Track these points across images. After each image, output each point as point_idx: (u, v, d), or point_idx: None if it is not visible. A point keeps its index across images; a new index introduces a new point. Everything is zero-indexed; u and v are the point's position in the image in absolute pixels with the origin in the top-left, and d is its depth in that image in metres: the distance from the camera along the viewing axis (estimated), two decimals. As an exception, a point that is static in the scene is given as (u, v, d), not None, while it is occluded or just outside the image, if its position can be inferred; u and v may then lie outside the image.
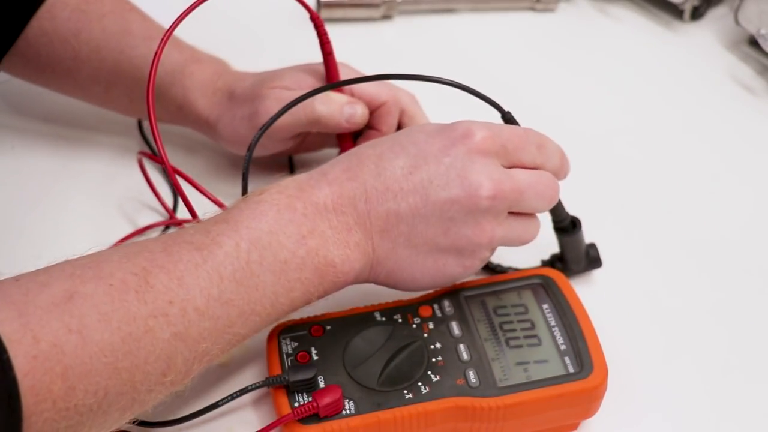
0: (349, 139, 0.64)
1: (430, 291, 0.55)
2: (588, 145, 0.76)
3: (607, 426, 0.53)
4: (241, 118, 0.62)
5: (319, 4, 0.86)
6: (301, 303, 0.49)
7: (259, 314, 0.46)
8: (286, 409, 0.48)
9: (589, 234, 0.60)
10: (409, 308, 0.53)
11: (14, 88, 0.73)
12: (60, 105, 0.72)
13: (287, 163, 0.69)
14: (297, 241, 0.47)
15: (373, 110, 0.62)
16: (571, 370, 0.50)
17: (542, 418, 0.50)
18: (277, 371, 0.50)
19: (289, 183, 0.49)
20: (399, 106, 0.63)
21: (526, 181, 0.50)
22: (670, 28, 0.91)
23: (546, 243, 0.60)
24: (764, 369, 0.57)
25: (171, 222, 0.64)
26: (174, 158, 0.55)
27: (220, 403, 0.49)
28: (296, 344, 0.52)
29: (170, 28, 0.54)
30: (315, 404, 0.47)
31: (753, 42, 0.86)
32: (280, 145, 0.64)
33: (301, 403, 0.48)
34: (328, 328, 0.52)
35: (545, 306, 0.54)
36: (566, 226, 0.58)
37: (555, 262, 0.61)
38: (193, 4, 0.54)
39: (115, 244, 0.57)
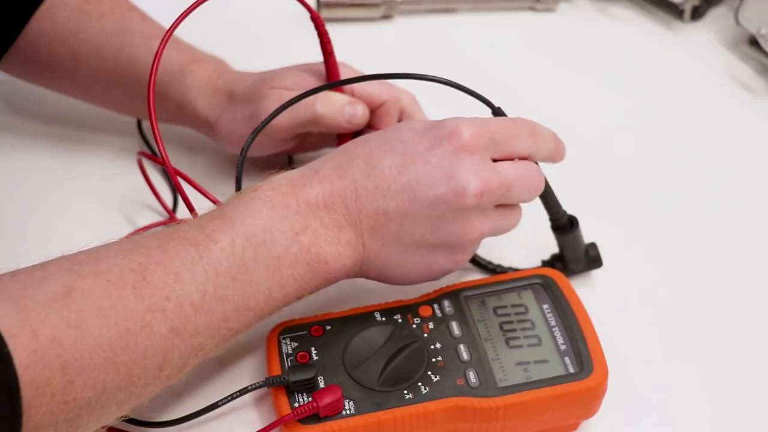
0: (349, 138, 0.64)
1: (429, 290, 0.55)
2: (588, 144, 0.75)
3: (607, 426, 0.53)
4: (241, 118, 0.62)
5: (319, 4, 0.86)
6: (294, 298, 0.49)
7: (253, 309, 0.47)
8: (286, 410, 0.48)
9: (589, 234, 0.60)
10: (409, 308, 0.53)
11: (14, 88, 0.73)
12: (60, 105, 0.72)
13: (287, 162, 0.69)
14: (290, 237, 0.48)
15: (374, 110, 0.62)
16: (572, 370, 0.50)
17: (542, 418, 0.50)
18: (277, 371, 0.50)
19: (281, 180, 0.50)
20: (399, 105, 0.63)
21: (514, 175, 0.51)
22: (671, 28, 0.91)
23: (546, 243, 0.60)
24: (764, 369, 0.57)
25: (171, 222, 0.64)
26: (173, 158, 0.55)
27: (220, 403, 0.49)
28: (296, 344, 0.52)
29: (171, 27, 0.54)
30: (315, 404, 0.47)
31: (753, 42, 0.86)
32: (280, 145, 0.64)
33: (301, 404, 0.48)
34: (328, 328, 0.52)
35: (545, 306, 0.54)
36: (564, 224, 0.58)
37: (555, 262, 0.61)
38: (193, 4, 0.54)
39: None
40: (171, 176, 0.55)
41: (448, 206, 0.49)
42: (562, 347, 0.51)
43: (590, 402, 0.50)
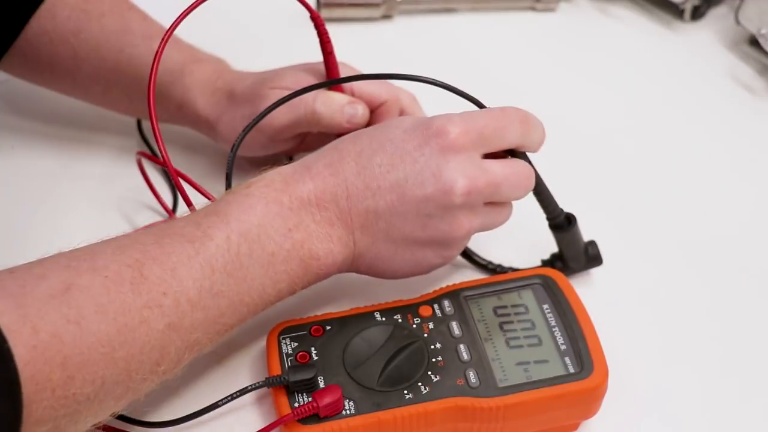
0: (349, 138, 0.64)
1: (429, 290, 0.55)
2: (588, 144, 0.76)
3: (608, 426, 0.53)
4: (241, 118, 0.62)
5: (318, 3, 0.86)
6: (287, 293, 0.50)
7: (247, 305, 0.48)
8: (286, 410, 0.48)
9: (589, 233, 0.60)
10: (409, 308, 0.53)
11: (14, 88, 0.73)
12: (60, 105, 0.72)
13: (287, 162, 0.69)
14: (284, 234, 0.49)
15: (374, 110, 0.62)
16: (572, 370, 0.50)
17: (542, 418, 0.50)
18: (277, 371, 0.50)
19: (274, 176, 0.50)
20: (399, 105, 0.63)
21: (502, 174, 0.52)
22: (671, 27, 0.91)
23: (546, 242, 0.60)
24: (764, 369, 0.57)
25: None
26: (173, 158, 0.55)
27: (220, 403, 0.49)
28: (296, 344, 0.52)
29: (171, 27, 0.54)
30: (315, 404, 0.47)
31: (753, 42, 0.86)
32: (280, 145, 0.64)
33: (301, 404, 0.48)
34: (328, 328, 0.52)
35: (545, 306, 0.54)
36: (561, 222, 0.58)
37: (555, 261, 0.61)
38: (193, 4, 0.54)
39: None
40: (173, 177, 0.55)
41: (436, 205, 0.50)
42: (562, 347, 0.51)
43: (590, 402, 0.50)
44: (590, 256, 0.61)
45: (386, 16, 0.89)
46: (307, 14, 0.59)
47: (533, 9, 0.92)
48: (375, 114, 0.63)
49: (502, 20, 0.91)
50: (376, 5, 0.87)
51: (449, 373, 0.50)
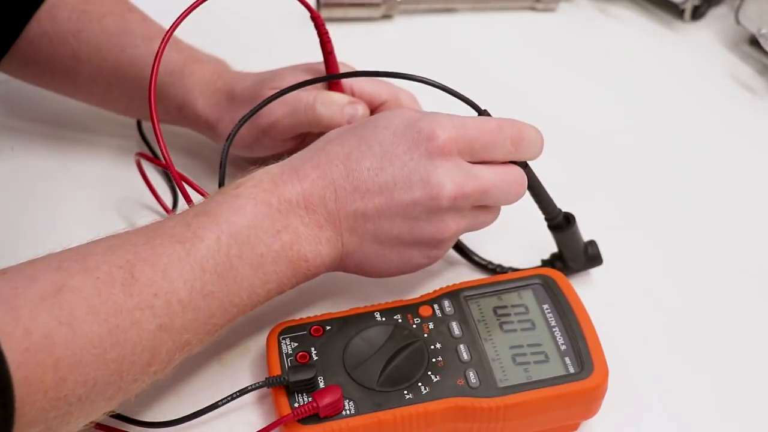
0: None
1: (430, 290, 0.55)
2: (588, 144, 0.76)
3: (608, 426, 0.53)
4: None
5: (319, 3, 0.86)
6: (275, 293, 0.51)
7: (236, 305, 0.48)
8: (286, 410, 0.48)
9: (590, 233, 0.60)
10: (409, 308, 0.53)
11: (14, 88, 0.73)
12: (60, 105, 0.72)
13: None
14: (273, 235, 0.49)
15: (373, 110, 0.62)
16: (572, 370, 0.50)
17: (542, 418, 0.50)
18: (277, 371, 0.50)
19: (263, 177, 0.51)
20: (399, 105, 0.63)
21: (491, 180, 0.52)
22: (671, 27, 0.91)
23: (546, 242, 0.60)
24: (764, 369, 0.57)
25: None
26: (172, 158, 0.55)
27: (220, 403, 0.49)
28: (296, 344, 0.52)
29: (171, 27, 0.54)
30: (315, 404, 0.47)
31: (753, 42, 0.86)
32: (280, 145, 0.63)
33: (301, 404, 0.48)
34: (328, 328, 0.52)
35: (545, 306, 0.54)
36: (560, 223, 0.58)
37: (555, 261, 0.61)
38: (193, 4, 0.54)
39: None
40: (175, 180, 0.55)
41: (423, 208, 0.51)
42: (563, 347, 0.51)
43: (590, 402, 0.50)
44: (590, 256, 0.61)
45: (386, 16, 0.89)
46: (308, 14, 0.59)
47: (533, 9, 0.92)
48: (375, 114, 0.62)
49: (502, 20, 0.91)
50: (376, 5, 0.87)
51: (449, 373, 0.50)
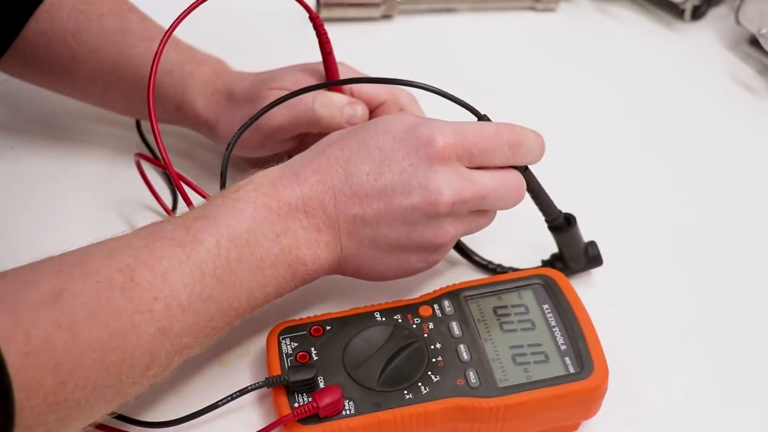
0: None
1: (430, 290, 0.55)
2: (588, 144, 0.76)
3: (608, 426, 0.53)
4: (240, 119, 0.62)
5: (318, 3, 0.86)
6: (273, 297, 0.51)
7: (235, 309, 0.48)
8: (286, 410, 0.48)
9: (590, 234, 0.60)
10: (409, 308, 0.53)
11: (13, 88, 0.73)
12: (59, 105, 0.72)
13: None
14: (272, 239, 0.49)
15: (373, 110, 0.62)
16: (572, 370, 0.50)
17: (542, 418, 0.50)
18: (277, 371, 0.50)
19: (263, 180, 0.51)
20: (398, 105, 0.63)
21: (489, 186, 0.52)
22: (671, 27, 0.91)
23: (546, 243, 0.60)
24: (764, 369, 0.57)
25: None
26: (172, 158, 0.55)
27: (220, 403, 0.49)
28: (296, 344, 0.52)
29: (170, 27, 0.54)
30: (315, 404, 0.47)
31: (754, 41, 0.86)
32: (280, 146, 0.63)
33: (301, 404, 0.48)
34: (328, 328, 0.52)
35: (546, 306, 0.54)
36: (560, 224, 0.58)
37: (555, 261, 0.61)
38: (192, 4, 0.54)
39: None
40: (174, 181, 0.55)
41: (422, 213, 0.51)
42: (563, 347, 0.51)
43: (590, 402, 0.50)
44: (590, 257, 0.61)
45: (386, 16, 0.89)
46: (306, 14, 0.58)
47: (533, 9, 0.92)
48: (374, 114, 0.62)
49: (502, 20, 0.91)
50: (376, 5, 0.87)
51: (449, 373, 0.50)
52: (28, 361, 0.38)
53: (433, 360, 0.50)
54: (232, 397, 0.49)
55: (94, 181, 0.68)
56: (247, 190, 0.50)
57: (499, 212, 0.57)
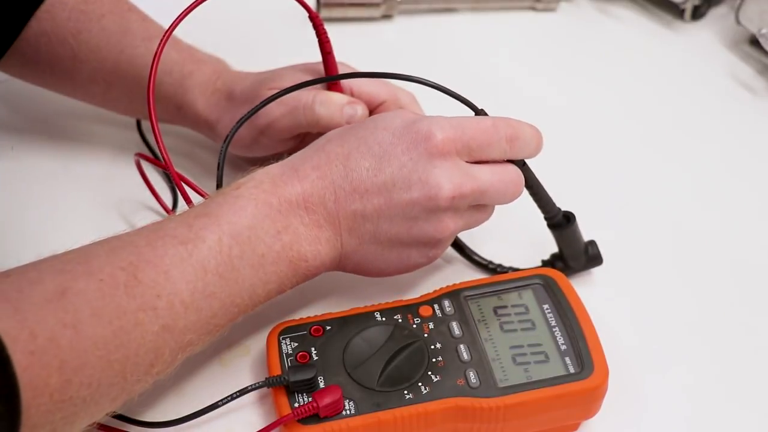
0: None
1: (430, 290, 0.55)
2: (588, 144, 0.76)
3: (608, 426, 0.53)
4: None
5: (318, 3, 0.86)
6: (275, 294, 0.51)
7: (237, 305, 0.48)
8: (286, 410, 0.48)
9: (590, 233, 0.60)
10: (409, 308, 0.53)
11: (13, 88, 0.73)
12: (59, 105, 0.72)
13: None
14: (273, 236, 0.49)
15: (373, 109, 0.62)
16: (572, 370, 0.50)
17: (543, 418, 0.50)
18: (277, 371, 0.50)
19: (263, 178, 0.51)
20: (398, 105, 0.63)
21: (489, 181, 0.52)
22: (671, 27, 0.91)
23: (546, 242, 0.60)
24: (764, 369, 0.57)
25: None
26: (172, 158, 0.55)
27: (220, 403, 0.49)
28: (296, 344, 0.52)
29: (170, 27, 0.54)
30: (315, 404, 0.47)
31: (754, 41, 0.86)
32: (280, 146, 0.63)
33: (301, 404, 0.48)
34: (328, 328, 0.52)
35: (546, 306, 0.54)
36: (559, 221, 0.58)
37: (555, 261, 0.61)
38: (192, 4, 0.54)
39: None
40: (174, 181, 0.55)
41: (422, 208, 0.51)
42: (563, 347, 0.51)
43: (591, 402, 0.50)
44: (590, 256, 0.61)
45: (386, 16, 0.89)
46: (306, 14, 0.58)
47: (533, 9, 0.92)
48: (374, 114, 0.62)
49: (502, 20, 0.91)
50: (376, 5, 0.87)
51: (449, 373, 0.50)
52: (34, 360, 0.38)
53: (434, 360, 0.50)
54: (232, 397, 0.49)
55: (94, 180, 0.68)
56: (247, 188, 0.50)
57: (498, 212, 0.57)
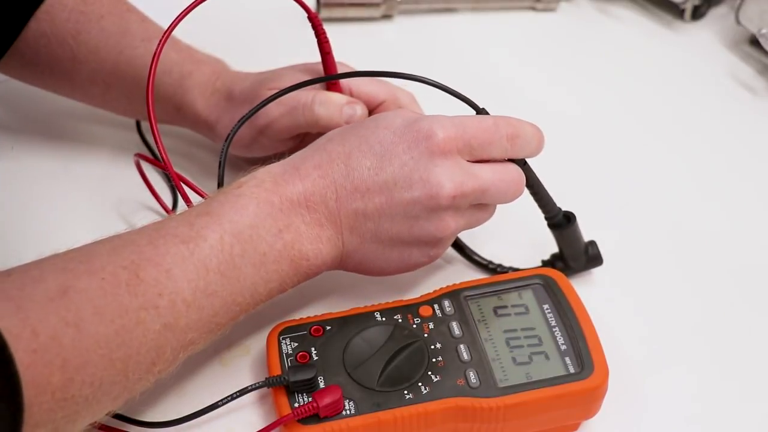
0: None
1: (430, 290, 0.55)
2: (589, 144, 0.76)
3: (608, 426, 0.53)
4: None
5: (318, 3, 0.86)
6: (277, 293, 0.51)
7: (239, 304, 0.48)
8: (286, 410, 0.48)
9: (590, 233, 0.60)
10: (409, 308, 0.53)
11: (13, 88, 0.73)
12: (59, 105, 0.72)
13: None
14: (275, 234, 0.49)
15: (372, 109, 0.62)
16: (572, 370, 0.50)
17: (543, 418, 0.50)
18: (277, 371, 0.50)
19: (264, 177, 0.51)
20: (397, 105, 0.63)
21: (490, 180, 0.52)
22: (671, 27, 0.91)
23: (546, 243, 0.60)
24: (764, 369, 0.57)
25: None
26: (172, 158, 0.55)
27: (220, 403, 0.49)
28: (296, 344, 0.51)
29: (169, 28, 0.54)
30: (315, 404, 0.47)
31: (754, 41, 0.86)
32: (280, 146, 0.63)
33: (301, 404, 0.48)
34: (328, 328, 0.52)
35: (546, 306, 0.54)
36: (560, 221, 0.58)
37: (555, 261, 0.61)
38: (191, 5, 0.54)
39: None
40: (174, 181, 0.55)
41: (423, 207, 0.51)
42: (563, 347, 0.51)
43: (591, 402, 0.50)
44: (590, 256, 0.61)
45: (386, 16, 0.89)
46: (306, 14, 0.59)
47: (533, 9, 0.92)
48: (373, 114, 0.62)
49: (502, 20, 0.91)
50: (376, 5, 0.87)
51: (449, 373, 0.50)
52: (36, 358, 0.38)
53: (434, 360, 0.50)
54: (232, 397, 0.49)
55: (94, 180, 0.68)
56: (249, 186, 0.50)
57: (499, 212, 0.57)
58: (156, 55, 0.54)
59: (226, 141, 0.56)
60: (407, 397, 0.48)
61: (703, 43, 0.89)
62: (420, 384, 0.49)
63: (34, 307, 0.39)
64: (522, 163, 0.54)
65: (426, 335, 0.52)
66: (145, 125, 0.71)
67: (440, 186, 0.50)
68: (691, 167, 0.74)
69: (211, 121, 0.64)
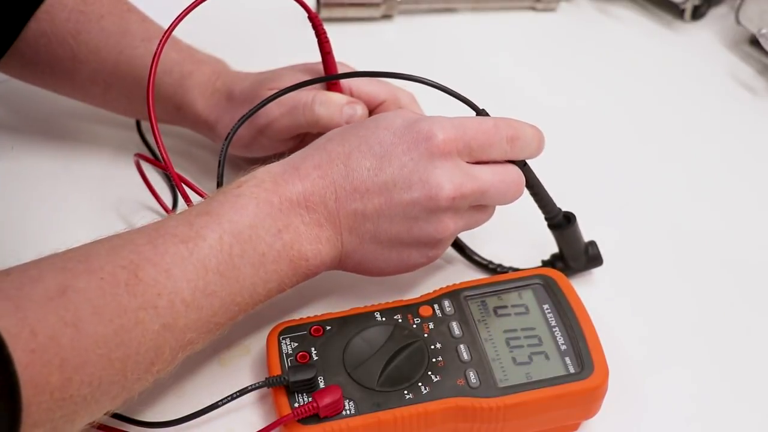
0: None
1: (430, 290, 0.55)
2: (588, 144, 0.76)
3: (608, 426, 0.53)
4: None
5: (318, 3, 0.86)
6: (276, 293, 0.51)
7: (238, 304, 0.48)
8: (286, 410, 0.48)
9: (590, 233, 0.60)
10: (409, 308, 0.53)
11: (13, 88, 0.73)
12: (59, 105, 0.72)
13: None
14: (274, 235, 0.49)
15: (372, 110, 0.62)
16: (572, 370, 0.50)
17: (543, 418, 0.50)
18: (277, 371, 0.50)
19: (264, 176, 0.51)
20: (398, 105, 0.63)
21: (489, 181, 0.52)
22: (671, 27, 0.91)
23: (546, 243, 0.60)
24: (764, 369, 0.57)
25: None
26: (172, 158, 0.55)
27: (220, 403, 0.49)
28: (296, 344, 0.51)
29: (169, 28, 0.54)
30: (315, 404, 0.47)
31: (754, 41, 0.86)
32: (280, 146, 0.63)
33: (301, 404, 0.48)
34: (328, 328, 0.52)
35: (546, 306, 0.54)
36: (560, 221, 0.58)
37: (555, 261, 0.61)
38: (191, 5, 0.54)
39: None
40: (174, 181, 0.55)
41: (422, 208, 0.51)
42: (563, 347, 0.51)
43: (591, 402, 0.50)
44: (590, 256, 0.61)
45: (386, 16, 0.89)
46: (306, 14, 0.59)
47: (533, 9, 0.92)
48: (373, 114, 0.62)
49: (502, 20, 0.91)
50: (376, 5, 0.87)
51: (449, 373, 0.50)
52: (35, 358, 0.38)
53: (434, 360, 0.50)
54: (232, 397, 0.49)
55: (94, 181, 0.68)
56: (248, 186, 0.50)
57: (499, 212, 0.57)
58: (156, 55, 0.54)
59: (225, 141, 0.56)
60: (407, 397, 0.48)
61: (703, 43, 0.89)
62: (420, 384, 0.49)
63: (32, 307, 0.39)
64: (522, 164, 0.54)
65: (426, 335, 0.52)
66: (145, 125, 0.71)
67: (440, 187, 0.50)
68: (691, 167, 0.74)
69: (211, 121, 0.64)
